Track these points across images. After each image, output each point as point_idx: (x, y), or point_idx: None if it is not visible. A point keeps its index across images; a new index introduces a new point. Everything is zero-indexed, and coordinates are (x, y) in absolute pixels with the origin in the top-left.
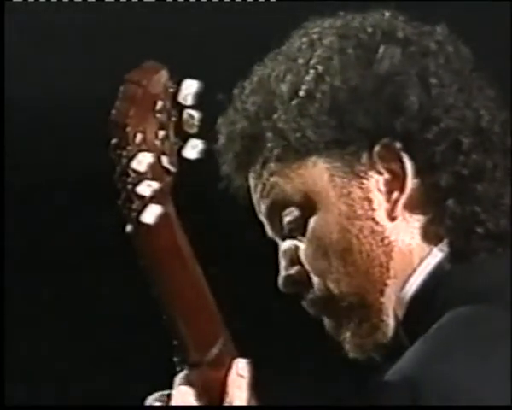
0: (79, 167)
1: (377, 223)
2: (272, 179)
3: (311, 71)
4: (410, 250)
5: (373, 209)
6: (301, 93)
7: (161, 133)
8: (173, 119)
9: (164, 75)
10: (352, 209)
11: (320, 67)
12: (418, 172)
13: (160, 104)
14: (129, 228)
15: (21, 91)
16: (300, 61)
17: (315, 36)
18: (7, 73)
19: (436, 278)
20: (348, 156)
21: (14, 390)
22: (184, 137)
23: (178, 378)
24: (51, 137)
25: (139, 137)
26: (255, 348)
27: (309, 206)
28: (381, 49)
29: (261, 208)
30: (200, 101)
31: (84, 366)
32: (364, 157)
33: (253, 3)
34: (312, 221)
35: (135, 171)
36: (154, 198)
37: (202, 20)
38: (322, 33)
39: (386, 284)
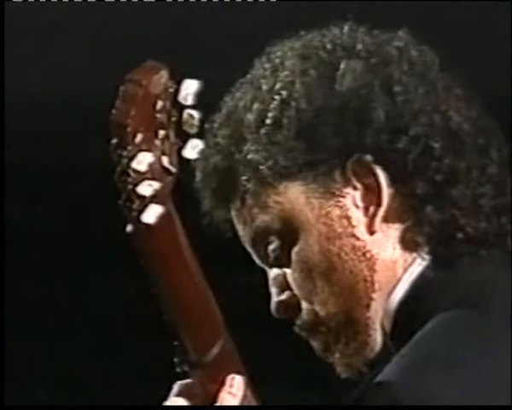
0: (80, 167)
1: (358, 239)
2: (251, 211)
3: (276, 97)
4: (393, 261)
5: (352, 226)
6: (268, 121)
7: (161, 133)
8: (173, 119)
9: (164, 75)
10: (331, 229)
11: (284, 93)
12: (393, 183)
13: (160, 104)
14: (129, 228)
15: (21, 91)
16: (265, 87)
17: (277, 60)
18: (7, 73)
19: (420, 286)
20: (322, 176)
21: (14, 390)
22: (184, 138)
23: (175, 387)
24: (51, 137)
25: (139, 137)
26: (255, 348)
27: (290, 232)
28: (343, 65)
29: (245, 239)
30: (201, 100)
31: (84, 366)
32: (338, 175)
33: (254, 3)
34: (296, 247)
35: (135, 171)
36: (155, 198)
37: (203, 19)
38: (284, 56)
39: (371, 298)
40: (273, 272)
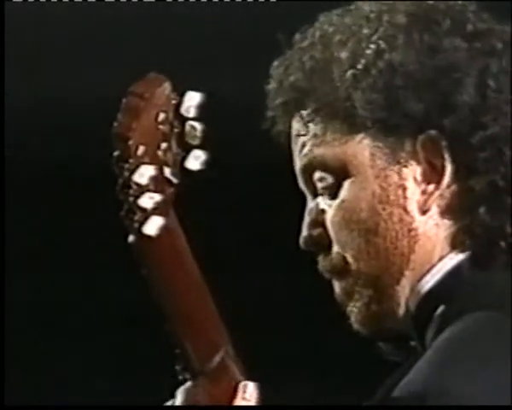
0: (79, 167)
1: (407, 213)
2: (314, 140)
3: (373, 45)
4: (432, 247)
5: (405, 198)
6: (359, 66)
7: (164, 145)
8: (176, 130)
9: (167, 87)
10: (385, 193)
11: (382, 44)
12: (456, 175)
13: (162, 116)
14: (131, 238)
15: (21, 92)
16: (365, 31)
17: (384, 8)
18: (7, 73)
19: (454, 278)
20: (392, 139)
21: (14, 390)
22: (187, 149)
23: (179, 395)
24: (51, 137)
25: (141, 149)
26: (256, 356)
27: (344, 176)
28: (447, 41)
29: (297, 163)
30: (204, 112)
31: (84, 367)
32: (408, 144)
33: (257, 6)
34: (345, 191)
35: (136, 183)
36: (157, 210)
37: (206, 30)
38: (393, 7)
39: (403, 274)
40: (312, 204)
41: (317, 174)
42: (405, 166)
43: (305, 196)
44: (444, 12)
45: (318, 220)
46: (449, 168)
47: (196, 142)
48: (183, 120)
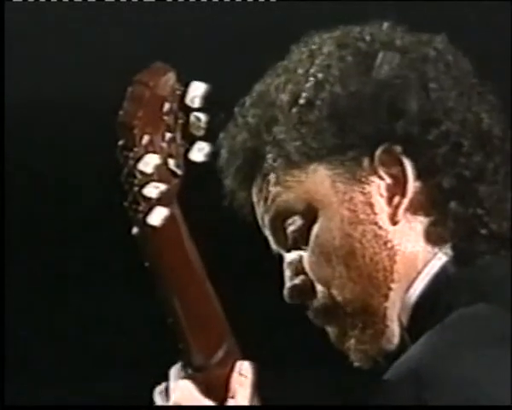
0: (79, 167)
1: (380, 227)
2: (274, 190)
3: (311, 79)
4: (414, 254)
5: (375, 213)
6: (301, 101)
7: (168, 136)
8: (180, 121)
9: (172, 77)
10: (354, 214)
11: (320, 75)
12: (420, 175)
13: (167, 106)
14: (135, 230)
15: (21, 91)
16: (300, 70)
17: (314, 46)
18: (7, 73)
19: (440, 281)
20: (349, 162)
21: (15, 390)
22: (191, 140)
23: (176, 371)
24: (51, 137)
25: (146, 138)
26: (259, 349)
27: (311, 214)
28: (380, 55)
29: (265, 221)
30: (208, 103)
31: (84, 367)
32: (366, 162)
33: (264, 3)
34: (315, 229)
35: (141, 172)
36: (161, 200)
37: (211, 20)
38: (322, 43)
39: (390, 288)
40: (289, 257)
41: (288, 221)
42: (368, 184)
43: (281, 256)
44: (371, 34)
45: (299, 269)
46: (410, 173)
47: (201, 133)
48: (188, 110)
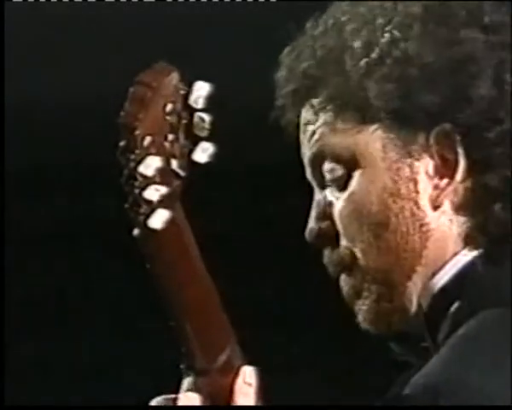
0: (79, 167)
1: (419, 207)
2: (324, 128)
3: (387, 34)
4: (445, 243)
5: (417, 192)
6: (373, 55)
7: (171, 136)
8: (184, 121)
9: (175, 77)
10: (396, 186)
11: (397, 33)
12: (469, 170)
13: (170, 107)
14: (136, 232)
15: (21, 91)
16: (380, 20)
17: None
18: (7, 73)
19: (468, 275)
20: (405, 132)
21: (15, 390)
22: (195, 141)
23: (186, 383)
24: (51, 137)
25: (148, 140)
26: (262, 353)
27: (354, 166)
28: (464, 33)
29: (305, 152)
30: (212, 104)
31: (84, 367)
32: (421, 137)
33: (267, 3)
34: (354, 183)
35: (142, 175)
36: (162, 203)
37: (215, 21)
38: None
39: (415, 270)
40: (319, 196)
41: (327, 165)
42: (417, 160)
43: (313, 188)
44: (460, 3)
45: (326, 213)
46: (462, 163)
47: (205, 133)
48: (192, 111)
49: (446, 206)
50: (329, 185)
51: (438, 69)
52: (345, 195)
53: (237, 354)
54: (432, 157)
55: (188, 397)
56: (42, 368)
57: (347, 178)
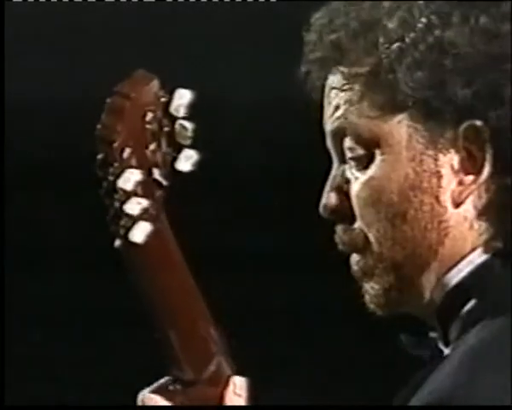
0: (79, 167)
1: (439, 203)
2: (349, 106)
3: (424, 19)
4: (463, 242)
5: (440, 186)
6: (407, 39)
7: (152, 145)
8: (165, 129)
9: (155, 85)
10: (418, 178)
11: (435, 18)
12: (495, 173)
13: (150, 115)
14: (117, 243)
15: (21, 91)
16: (419, 1)
17: None
18: (7, 73)
19: (483, 274)
20: (433, 123)
21: (14, 390)
22: (177, 149)
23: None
24: (51, 137)
25: (127, 151)
26: (252, 362)
27: (376, 151)
28: (504, 27)
29: (327, 123)
30: (194, 110)
31: (85, 366)
32: (448, 130)
33: (250, 5)
34: (375, 168)
35: (121, 189)
36: (144, 215)
37: (197, 25)
38: None
39: (429, 265)
40: (338, 170)
41: (348, 142)
42: (443, 154)
43: (331, 159)
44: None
45: (343, 189)
46: (489, 162)
47: (187, 142)
48: (173, 119)
49: (468, 208)
50: (349, 162)
51: (473, 62)
52: (364, 177)
53: (226, 365)
54: (458, 152)
55: (150, 398)
56: (42, 368)
57: (369, 159)
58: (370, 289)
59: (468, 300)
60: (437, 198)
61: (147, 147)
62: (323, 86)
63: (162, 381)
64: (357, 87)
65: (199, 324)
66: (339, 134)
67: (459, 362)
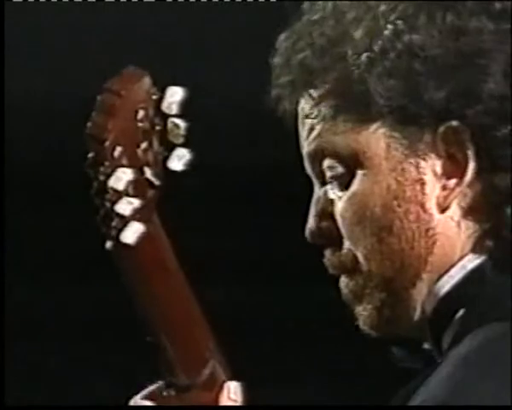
0: (78, 167)
1: (425, 210)
2: (324, 125)
3: (390, 25)
4: (452, 248)
5: (424, 194)
6: (375, 47)
7: (144, 144)
8: (157, 127)
9: (146, 82)
10: (401, 188)
11: (401, 23)
12: (479, 171)
13: (141, 113)
14: (108, 245)
15: (21, 91)
16: (383, 8)
17: None
18: (7, 73)
19: (475, 280)
20: (410, 130)
21: (14, 390)
22: (170, 147)
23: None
24: (50, 137)
25: (118, 150)
26: (248, 365)
27: (356, 167)
28: (473, 22)
29: (304, 147)
30: (187, 108)
31: (84, 366)
32: (427, 135)
33: (240, 4)
34: (357, 183)
35: (113, 189)
36: (136, 215)
37: (189, 22)
38: None
39: (420, 277)
40: (320, 192)
41: (327, 162)
42: (424, 159)
43: (312, 183)
44: None
45: (327, 211)
46: (472, 162)
47: (180, 140)
48: (165, 117)
49: (454, 209)
50: (330, 182)
51: (444, 63)
52: (347, 195)
53: (221, 369)
54: (439, 156)
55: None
56: (42, 368)
57: (349, 177)
58: (362, 310)
59: (459, 308)
60: (422, 206)
61: (138, 146)
62: (296, 110)
63: (155, 386)
64: (329, 104)
65: (192, 328)
66: (317, 155)
67: (450, 371)
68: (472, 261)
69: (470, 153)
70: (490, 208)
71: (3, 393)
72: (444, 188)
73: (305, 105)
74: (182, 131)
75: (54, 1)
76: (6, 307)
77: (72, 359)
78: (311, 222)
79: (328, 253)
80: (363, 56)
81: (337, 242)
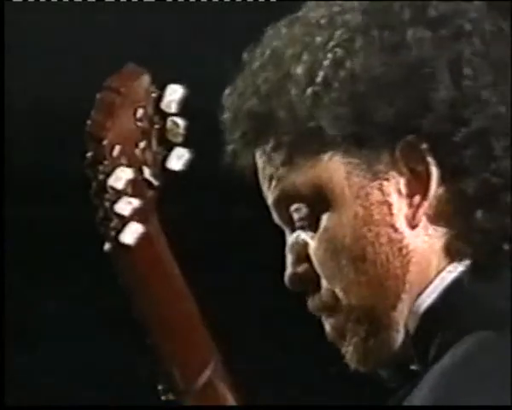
0: (78, 168)
1: (396, 230)
2: (282, 170)
3: (330, 55)
4: (428, 262)
5: (392, 214)
6: (318, 80)
7: (143, 143)
8: (156, 126)
9: (145, 80)
10: (368, 213)
11: (339, 51)
12: (444, 179)
13: (140, 112)
14: (107, 246)
15: (21, 91)
16: (318, 39)
17: (336, 9)
18: (7, 73)
19: (455, 293)
20: (367, 153)
21: (14, 390)
22: (169, 147)
23: None
24: (50, 137)
25: (117, 149)
26: (247, 370)
27: (321, 203)
28: (410, 34)
29: (268, 197)
30: (187, 107)
31: (84, 367)
32: (385, 156)
33: (237, 4)
34: (325, 219)
35: (112, 188)
36: (135, 216)
37: (188, 21)
38: (345, 7)
39: (400, 299)
40: (292, 238)
41: (293, 206)
42: (387, 179)
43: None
44: (400, 3)
45: (302, 255)
46: (434, 173)
47: (179, 139)
48: (164, 115)
49: (424, 222)
50: (301, 225)
51: (389, 80)
52: (318, 233)
53: (220, 372)
54: (401, 173)
55: None
56: (42, 368)
57: (316, 214)
58: (348, 347)
59: (441, 322)
60: (392, 226)
61: (137, 145)
62: (254, 164)
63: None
64: (284, 148)
65: (191, 330)
66: (282, 201)
67: (432, 385)
68: (450, 274)
69: (431, 164)
70: (459, 214)
71: (3, 393)
72: (410, 205)
73: (260, 159)
74: (181, 130)
75: (54, 1)
76: (6, 307)
77: (72, 359)
78: (289, 269)
79: (310, 298)
80: (308, 92)
81: (316, 284)
